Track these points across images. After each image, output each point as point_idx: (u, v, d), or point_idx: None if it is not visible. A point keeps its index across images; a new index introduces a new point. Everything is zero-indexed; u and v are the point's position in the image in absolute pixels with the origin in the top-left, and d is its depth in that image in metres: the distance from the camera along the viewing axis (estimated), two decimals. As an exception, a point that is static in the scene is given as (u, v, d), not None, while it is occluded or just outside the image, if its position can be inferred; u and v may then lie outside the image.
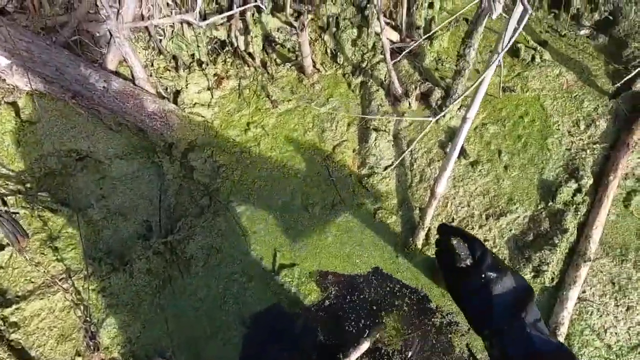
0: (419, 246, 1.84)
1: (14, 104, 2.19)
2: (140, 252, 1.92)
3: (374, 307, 1.80)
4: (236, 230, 2.03)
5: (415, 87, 2.16)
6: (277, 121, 2.25)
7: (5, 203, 2.05)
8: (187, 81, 2.32)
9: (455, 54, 2.14)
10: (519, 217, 1.86)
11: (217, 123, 2.30)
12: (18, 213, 2.01)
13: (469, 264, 1.12)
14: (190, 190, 2.14)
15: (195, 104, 2.31)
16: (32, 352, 1.91)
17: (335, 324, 1.82)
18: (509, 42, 1.05)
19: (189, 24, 2.09)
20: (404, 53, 1.91)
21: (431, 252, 1.84)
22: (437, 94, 2.11)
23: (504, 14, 1.61)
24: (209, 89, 2.35)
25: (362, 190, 2.02)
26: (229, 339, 1.85)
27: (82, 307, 1.92)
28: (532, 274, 1.73)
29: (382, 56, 2.21)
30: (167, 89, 2.32)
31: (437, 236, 1.30)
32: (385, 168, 2.03)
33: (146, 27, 2.08)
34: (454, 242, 1.14)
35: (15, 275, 2.00)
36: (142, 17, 2.00)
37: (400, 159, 1.97)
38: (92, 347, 1.83)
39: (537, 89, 2.12)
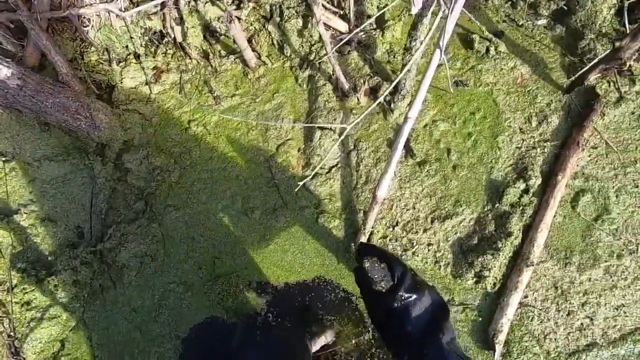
0: (361, 252, 1.75)
1: None
2: (66, 262, 1.80)
3: (318, 316, 1.72)
4: (173, 236, 1.91)
5: (364, 82, 2.04)
6: (220, 119, 2.12)
7: None
8: (122, 75, 2.15)
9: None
10: (464, 219, 1.79)
11: (155, 121, 2.15)
12: None
13: (384, 286, 1.04)
14: (125, 194, 2.00)
15: (132, 100, 2.16)
16: (-47, 370, 1.80)
17: (275, 335, 1.74)
18: (439, 42, 0.94)
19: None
20: (341, 43, 1.80)
21: (373, 258, 1.76)
22: (385, 88, 1.99)
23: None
24: (147, 83, 2.19)
25: (305, 193, 1.91)
26: (163, 352, 1.76)
27: (5, 321, 1.80)
28: (474, 279, 1.68)
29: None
30: (100, 84, 2.15)
31: (355, 255, 1.22)
32: (330, 169, 1.93)
33: (68, 17, 1.89)
34: (367, 264, 1.06)
35: (-64, 288, 1.87)
36: (61, 6, 1.81)
37: (321, 163, 1.86)
38: (15, 365, 1.73)
39: (490, 83, 2.03)
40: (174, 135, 2.10)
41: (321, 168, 1.93)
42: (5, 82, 1.71)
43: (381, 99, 1.24)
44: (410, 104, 1.54)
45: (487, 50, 2.09)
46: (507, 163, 1.86)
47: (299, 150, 2.02)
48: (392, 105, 1.99)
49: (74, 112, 1.83)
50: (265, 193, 1.94)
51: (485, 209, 1.79)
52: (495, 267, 1.64)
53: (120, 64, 2.16)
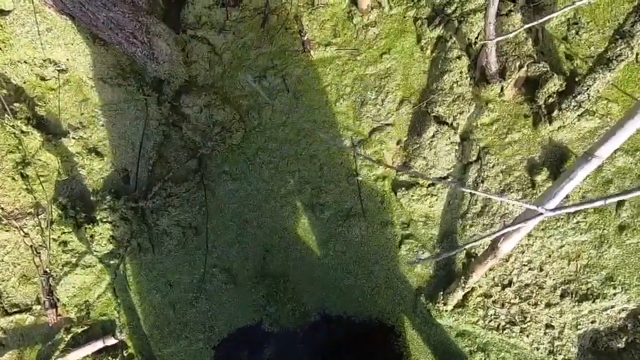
0: (450, 307, 1.32)
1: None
2: (105, 214, 1.57)
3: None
4: (223, 212, 1.59)
5: (520, 66, 1.38)
6: (305, 73, 1.61)
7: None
8: (195, -11, 1.66)
9: (613, 23, 1.30)
10: (614, 307, 1.25)
11: (227, 58, 1.69)
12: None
13: None
14: (177, 146, 1.66)
15: (203, 24, 1.69)
16: (-4, 285, 1.78)
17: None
18: None
19: None
20: None
21: (464, 320, 1.32)
22: (554, 85, 1.33)
23: None
24: (224, 4, 1.69)
25: (393, 204, 1.45)
26: (194, 341, 1.55)
27: (43, 255, 1.69)
28: (603, 397, 1.20)
29: (481, 0, 1.40)
30: (168, -4, 1.70)
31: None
32: (440, 179, 1.41)
33: None
34: None
35: (-13, 196, 1.78)
36: None
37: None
38: (47, 304, 1.64)
39: None
40: (245, 83, 1.65)
41: (425, 177, 1.42)
42: (53, -20, 1.31)
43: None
44: (604, 134, 0.94)
45: None
46: None
47: (398, 143, 1.50)
48: (554, 112, 1.34)
49: (129, 34, 1.43)
50: (342, 189, 1.50)
51: (652, 304, 1.22)
52: (645, 396, 1.14)
53: (196, -27, 1.65)
